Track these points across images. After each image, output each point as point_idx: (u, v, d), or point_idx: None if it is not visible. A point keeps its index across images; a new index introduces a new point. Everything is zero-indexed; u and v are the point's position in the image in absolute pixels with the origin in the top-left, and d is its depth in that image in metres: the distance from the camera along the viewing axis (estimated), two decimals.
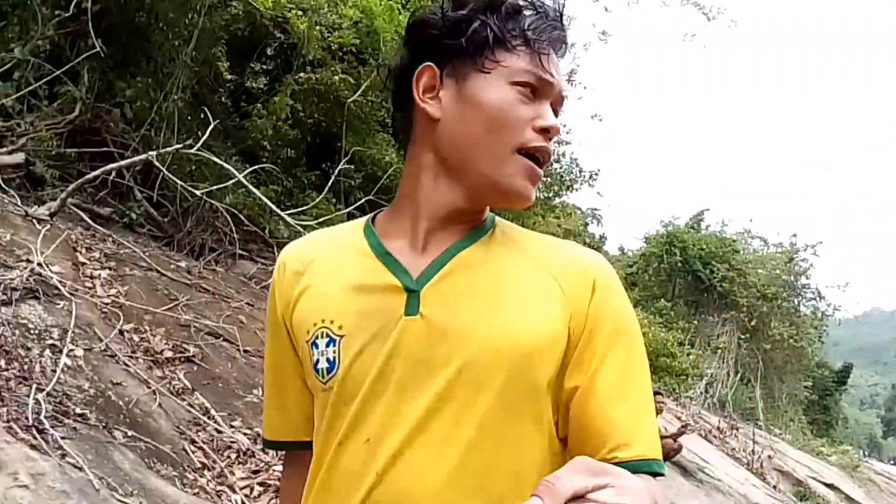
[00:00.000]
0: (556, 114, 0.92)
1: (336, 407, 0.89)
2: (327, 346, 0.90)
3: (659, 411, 7.44)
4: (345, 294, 0.92)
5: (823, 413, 30.09)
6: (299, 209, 7.30)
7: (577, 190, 11.49)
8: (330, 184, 8.56)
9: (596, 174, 10.93)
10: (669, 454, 7.80)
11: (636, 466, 0.82)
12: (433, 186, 0.93)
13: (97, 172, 4.75)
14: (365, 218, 1.01)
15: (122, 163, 4.96)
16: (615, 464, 0.76)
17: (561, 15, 0.94)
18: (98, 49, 4.97)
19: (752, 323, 19.82)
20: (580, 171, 10.89)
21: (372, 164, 9.82)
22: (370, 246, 0.94)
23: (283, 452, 1.11)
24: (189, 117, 6.59)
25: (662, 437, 7.60)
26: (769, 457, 12.88)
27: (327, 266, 0.96)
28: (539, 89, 0.89)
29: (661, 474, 0.86)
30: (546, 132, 0.88)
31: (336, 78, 8.49)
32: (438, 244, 0.92)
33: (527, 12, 0.92)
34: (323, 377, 0.90)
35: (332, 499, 0.89)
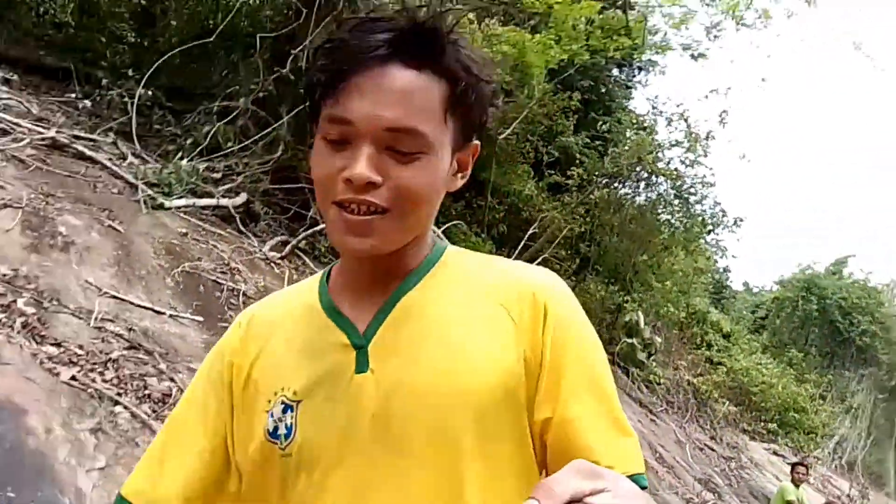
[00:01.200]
0: (391, 146, 0.79)
1: (296, 474, 0.85)
2: (283, 412, 0.86)
3: (800, 482, 7.26)
4: (298, 358, 0.89)
5: None
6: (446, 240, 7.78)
7: (717, 234, 11.32)
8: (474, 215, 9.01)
9: (740, 221, 10.74)
10: None
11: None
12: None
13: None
14: (322, 272, 0.98)
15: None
16: None
17: (383, 19, 0.83)
18: (301, 94, 5.66)
19: (893, 383, 18.53)
20: (723, 215, 10.74)
21: (513, 197, 10.22)
22: (321, 303, 0.92)
23: None
24: None
25: None
26: None
27: (282, 329, 0.93)
28: (346, 135, 0.80)
29: (645, 488, 0.84)
30: (350, 182, 0.79)
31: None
32: (381, 291, 0.89)
33: (337, 38, 0.83)
34: (281, 443, 0.85)
35: None
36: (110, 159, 4.59)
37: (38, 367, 2.91)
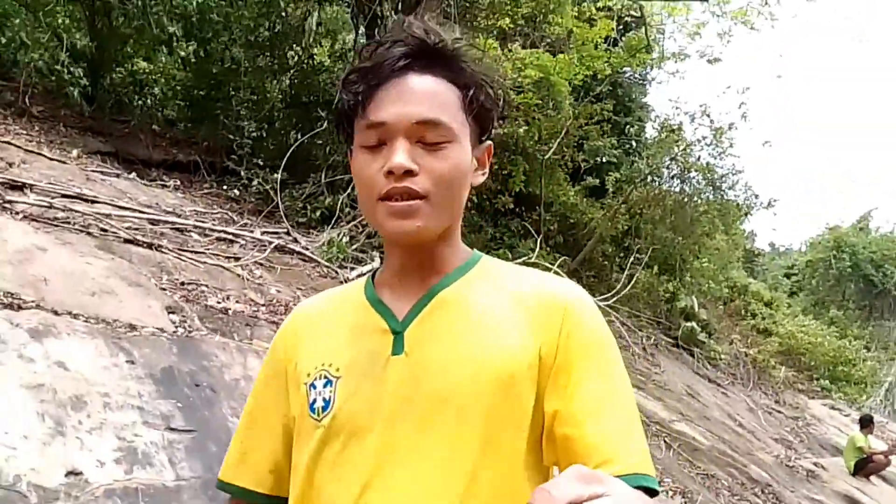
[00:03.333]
0: (421, 139, 0.90)
1: (326, 442, 0.93)
2: (325, 386, 0.94)
3: (868, 433, 8.28)
4: (342, 340, 0.98)
5: None
6: (512, 256, 8.61)
7: (752, 216, 12.16)
8: (531, 230, 9.87)
9: (774, 201, 11.55)
10: (881, 468, 8.59)
11: (630, 481, 0.79)
12: (385, 247, 1.03)
13: None
14: (369, 273, 1.08)
15: None
16: None
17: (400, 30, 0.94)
18: None
19: None
20: (756, 198, 11.57)
21: (559, 206, 11.03)
22: (366, 297, 1.01)
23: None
24: None
25: (875, 454, 8.40)
26: None
27: (331, 318, 1.03)
28: (382, 136, 0.91)
29: (654, 490, 0.86)
30: (390, 174, 0.89)
31: (521, 130, 9.33)
32: (420, 286, 0.97)
33: (361, 64, 0.94)
34: (318, 415, 0.94)
35: None
36: (306, 248, 5.41)
37: None
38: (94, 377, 2.66)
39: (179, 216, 4.77)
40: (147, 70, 7.92)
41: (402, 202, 0.90)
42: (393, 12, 7.52)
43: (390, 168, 0.89)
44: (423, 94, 0.91)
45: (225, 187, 6.52)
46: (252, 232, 5.07)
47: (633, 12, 10.04)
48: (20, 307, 2.84)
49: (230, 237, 4.72)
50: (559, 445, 0.89)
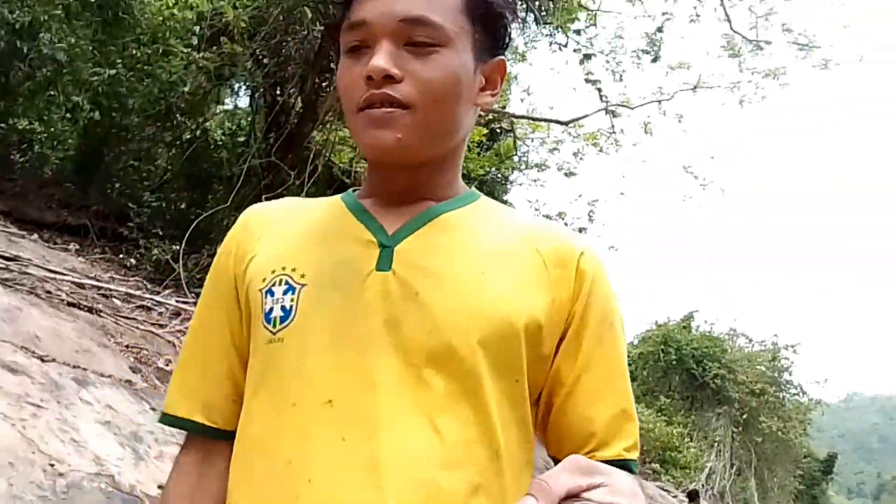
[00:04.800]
0: (409, 40, 0.80)
1: (287, 361, 0.78)
2: (284, 293, 0.80)
3: None
4: (311, 243, 0.85)
5: (812, 503, 31.36)
6: None
7: None
8: None
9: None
10: None
11: (616, 465, 0.77)
12: (369, 166, 0.92)
13: None
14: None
15: None
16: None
17: None
18: None
19: (744, 417, 21.61)
20: None
21: None
22: (346, 204, 0.88)
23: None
24: None
25: None
26: None
27: (296, 219, 0.89)
28: (363, 38, 0.81)
29: (635, 473, 0.84)
30: (370, 80, 0.78)
31: None
32: (414, 207, 0.85)
33: None
34: (274, 326, 0.80)
35: (284, 466, 0.75)
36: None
37: None
38: (137, 418, 3.23)
39: (100, 281, 4.85)
40: (33, 129, 7.81)
41: (381, 109, 0.79)
42: (299, 99, 8.06)
43: (368, 72, 0.79)
44: None
45: (122, 255, 6.55)
46: (168, 300, 5.21)
47: (503, 125, 11.35)
48: (43, 359, 3.20)
49: (149, 304, 4.85)
50: (556, 418, 0.84)
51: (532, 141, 12.10)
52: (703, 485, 18.36)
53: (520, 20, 1.09)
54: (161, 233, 6.85)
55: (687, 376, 21.96)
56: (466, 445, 0.76)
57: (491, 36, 0.86)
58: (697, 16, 10.55)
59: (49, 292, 4.01)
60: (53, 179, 7.78)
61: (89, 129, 7.78)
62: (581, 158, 11.47)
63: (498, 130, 13.11)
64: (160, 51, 6.30)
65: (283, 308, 0.80)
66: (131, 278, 5.76)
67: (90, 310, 4.17)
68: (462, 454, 0.76)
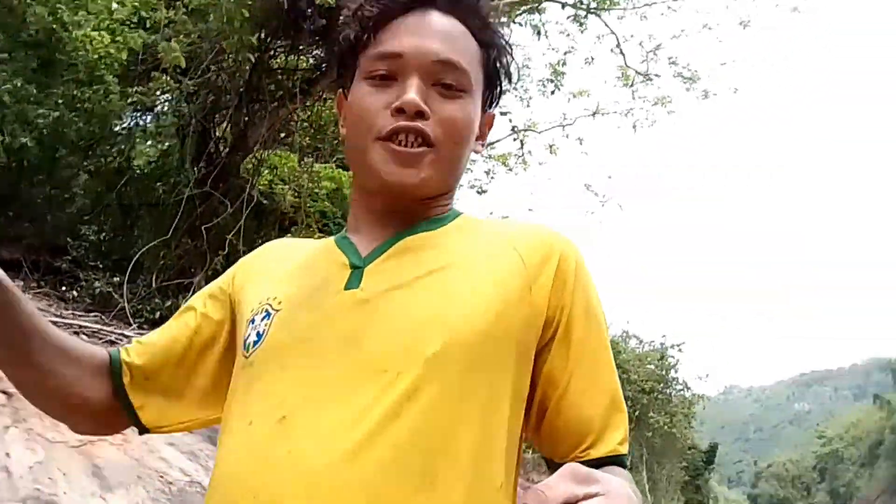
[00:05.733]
0: (440, 81, 0.83)
1: (251, 382, 0.80)
2: (262, 320, 0.84)
3: None
4: (294, 274, 0.89)
5: (696, 493, 33.70)
6: None
7: None
8: None
9: None
10: None
11: (610, 462, 0.82)
12: (356, 195, 0.92)
13: None
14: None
15: None
16: (589, 461, 0.80)
17: None
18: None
19: (636, 414, 23.17)
20: None
21: None
22: (333, 238, 0.93)
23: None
24: None
25: None
26: None
27: (294, 255, 0.94)
28: (393, 70, 0.83)
29: (626, 466, 0.85)
30: (399, 112, 0.80)
31: (315, 235, 9.98)
32: (391, 232, 0.88)
33: None
34: (247, 350, 0.83)
35: (236, 483, 0.74)
36: None
37: None
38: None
39: (58, 315, 5.04)
40: None
41: (409, 148, 0.82)
42: (228, 129, 8.36)
43: (402, 105, 0.81)
44: (446, 34, 0.85)
45: (63, 288, 6.69)
46: (124, 331, 5.48)
47: None
48: None
49: (112, 337, 5.12)
50: (550, 418, 0.84)
51: None
52: None
53: (512, 84, 0.99)
54: (100, 264, 7.02)
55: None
56: (417, 454, 0.73)
57: (491, 91, 0.93)
58: (592, 58, 11.75)
59: None
60: None
61: (10, 161, 7.75)
62: (492, 177, 12.34)
63: None
64: (100, 90, 6.53)
65: (257, 333, 0.84)
66: (90, 313, 5.94)
67: None
68: (409, 463, 0.73)
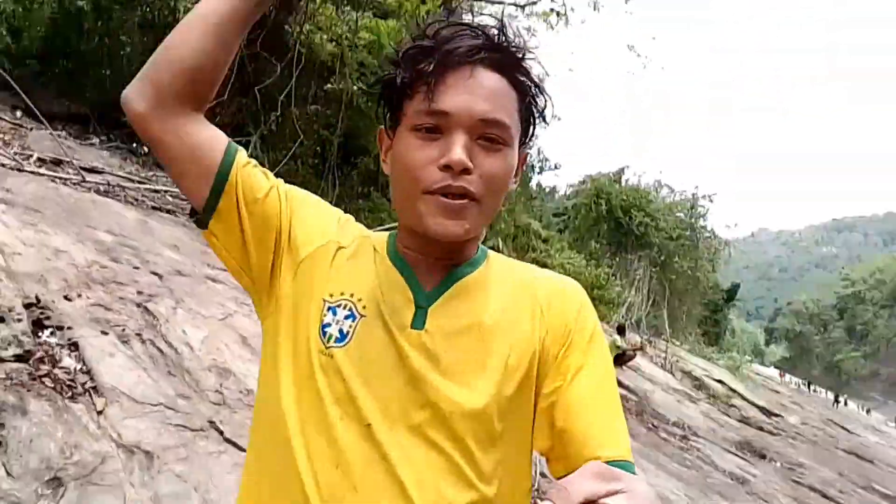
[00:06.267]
0: (482, 136, 0.88)
1: (334, 377, 0.91)
2: (346, 318, 0.93)
3: (631, 358, 11.64)
4: (373, 283, 0.95)
5: (714, 326, 35.52)
6: None
7: (541, 174, 14.57)
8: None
9: (559, 165, 14.06)
10: (630, 360, 12.04)
11: (617, 467, 0.79)
12: (403, 229, 0.98)
13: None
14: (392, 231, 1.04)
15: None
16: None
17: (478, 29, 0.90)
18: None
19: (662, 259, 24.04)
20: (545, 160, 14.00)
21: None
22: (389, 255, 0.99)
23: None
24: None
25: (627, 350, 11.69)
26: (675, 361, 17.49)
27: (366, 254, 0.99)
28: (440, 125, 0.88)
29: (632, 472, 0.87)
30: (446, 168, 0.87)
31: (354, 87, 9.94)
32: (442, 268, 0.97)
33: (426, 42, 0.90)
34: (328, 341, 0.92)
35: (332, 469, 0.88)
36: None
37: None
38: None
39: (144, 179, 5.34)
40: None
41: (456, 200, 0.88)
42: None
43: (450, 162, 0.86)
44: (491, 92, 0.90)
45: (135, 143, 7.10)
46: None
47: (462, 4, 11.60)
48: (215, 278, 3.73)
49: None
50: (558, 427, 0.91)
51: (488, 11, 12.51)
52: (623, 316, 20.75)
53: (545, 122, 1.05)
54: None
55: (614, 224, 23.88)
56: (487, 478, 0.90)
57: (527, 133, 0.97)
58: None
59: (136, 199, 4.41)
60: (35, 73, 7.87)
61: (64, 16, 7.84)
62: (533, 34, 12.12)
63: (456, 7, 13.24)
64: None
65: (341, 331, 0.92)
66: (161, 169, 6.15)
67: (169, 212, 4.60)
68: (476, 484, 0.89)
